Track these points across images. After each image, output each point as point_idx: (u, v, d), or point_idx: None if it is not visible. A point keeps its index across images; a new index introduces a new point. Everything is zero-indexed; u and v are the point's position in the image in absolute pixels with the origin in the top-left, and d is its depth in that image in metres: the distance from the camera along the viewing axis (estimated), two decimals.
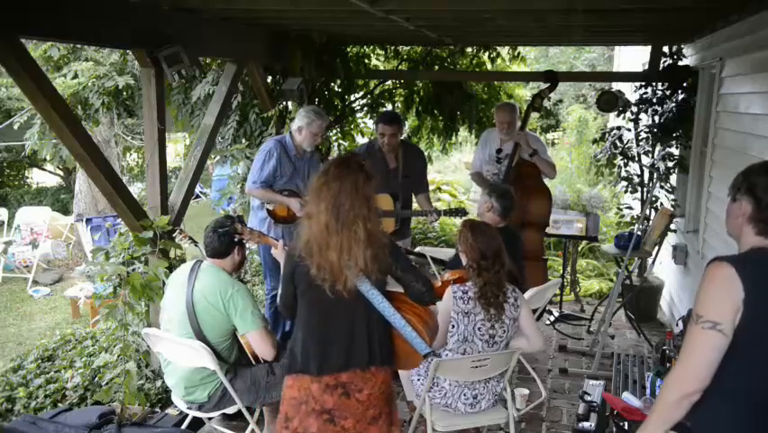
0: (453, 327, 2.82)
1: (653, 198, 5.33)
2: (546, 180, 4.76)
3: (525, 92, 7.34)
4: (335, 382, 2.27)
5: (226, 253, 2.95)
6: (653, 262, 5.28)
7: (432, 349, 2.37)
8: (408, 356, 2.41)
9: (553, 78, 4.72)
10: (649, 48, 5.49)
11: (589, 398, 3.18)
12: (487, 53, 5.96)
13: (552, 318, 5.33)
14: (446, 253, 4.63)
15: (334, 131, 6.02)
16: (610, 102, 5.41)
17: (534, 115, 5.34)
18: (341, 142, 6.07)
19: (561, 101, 15.20)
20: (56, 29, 2.88)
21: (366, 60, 5.98)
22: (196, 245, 3.31)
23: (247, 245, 3.08)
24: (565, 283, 5.82)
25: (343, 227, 2.16)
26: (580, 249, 6.73)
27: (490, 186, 3.81)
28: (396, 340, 2.39)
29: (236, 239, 2.90)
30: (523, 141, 4.48)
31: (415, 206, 4.93)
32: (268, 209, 4.20)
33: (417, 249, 4.82)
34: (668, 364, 3.14)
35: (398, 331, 2.32)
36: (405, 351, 2.39)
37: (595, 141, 6.06)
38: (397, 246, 2.38)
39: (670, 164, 5.30)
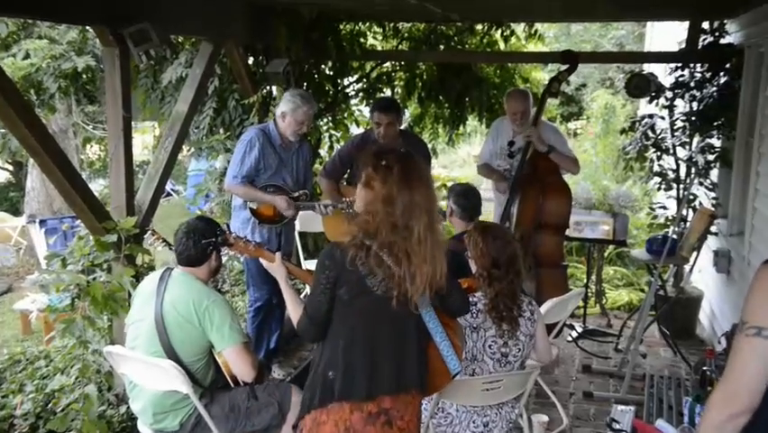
0: None
1: (691, 197, 5.33)
2: (567, 176, 4.76)
3: (543, 75, 7.35)
4: (378, 408, 2.27)
5: (202, 261, 2.94)
6: (691, 270, 5.28)
7: (462, 368, 2.40)
8: (436, 376, 2.41)
9: (571, 59, 4.72)
10: (686, 24, 5.49)
11: (617, 426, 3.18)
12: (499, 31, 5.95)
13: (574, 334, 5.33)
14: None
15: (325, 120, 6.01)
16: (641, 86, 5.41)
17: (554, 101, 5.35)
18: (332, 132, 6.07)
19: (584, 85, 15.23)
20: (3, 3, 2.87)
21: (362, 39, 5.98)
22: (171, 249, 3.30)
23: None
24: (589, 294, 5.81)
25: (430, 234, 2.25)
26: (606, 255, 6.73)
27: (451, 187, 3.82)
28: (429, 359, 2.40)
29: (224, 252, 2.87)
30: (535, 138, 4.44)
31: None
32: (251, 208, 4.20)
33: None
34: (709, 388, 3.14)
35: (437, 346, 2.34)
36: (434, 370, 2.40)
37: (623, 131, 6.06)
38: None
39: (710, 157, 5.30)
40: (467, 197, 3.66)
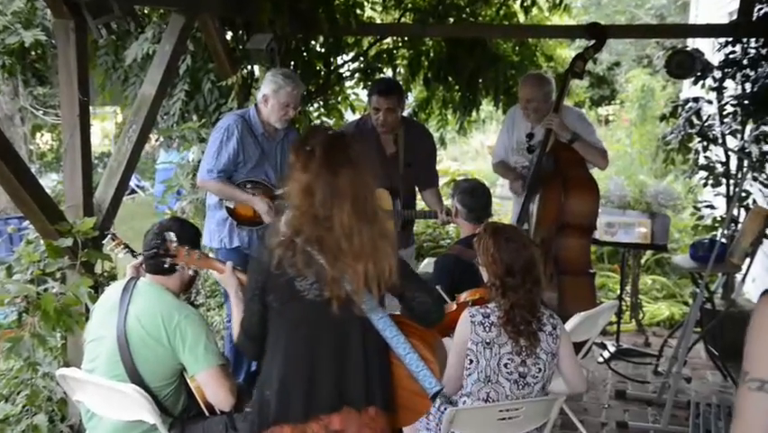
0: (472, 362, 2.82)
1: (743, 194, 5.33)
2: (598, 171, 4.76)
3: (570, 53, 7.36)
4: (325, 431, 2.29)
5: (172, 268, 2.94)
6: (744, 280, 5.29)
7: (443, 386, 2.41)
8: (412, 400, 2.43)
9: (598, 33, 4.73)
10: None
11: None
12: (518, 1, 5.96)
13: (606, 354, 5.33)
14: None
15: (316, 105, 6.02)
16: (684, 65, 5.41)
17: (582, 83, 5.36)
18: (324, 119, 6.07)
19: (617, 64, 15.24)
20: None
21: (358, 11, 5.98)
22: (134, 255, 3.31)
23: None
24: (624, 307, 5.81)
25: (367, 226, 2.26)
26: (643, 262, 6.73)
27: (456, 184, 3.83)
28: (395, 378, 2.42)
29: (167, 264, 2.86)
30: (556, 124, 4.43)
31: (420, 204, 4.92)
32: (228, 207, 4.21)
33: None
34: None
35: (401, 361, 2.36)
36: (407, 392, 2.42)
37: (663, 117, 6.07)
38: None
39: (766, 148, 5.30)
40: (473, 195, 3.66)
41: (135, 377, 2.82)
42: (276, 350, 2.37)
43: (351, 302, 2.27)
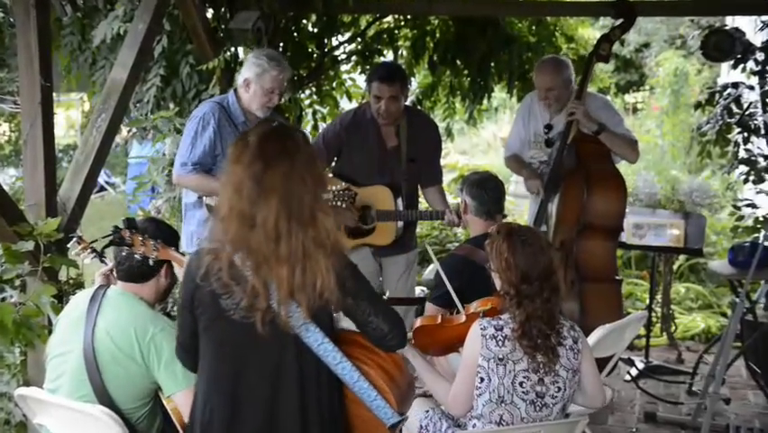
0: (483, 380, 2.82)
1: None
2: (624, 165, 4.75)
3: (594, 33, 7.36)
4: None
5: (146, 276, 2.94)
6: None
7: (402, 417, 2.42)
8: (371, 423, 2.43)
9: (626, 10, 4.73)
10: None
11: None
12: None
13: (634, 372, 5.34)
14: None
15: (308, 91, 6.01)
16: (723, 46, 5.41)
17: (605, 67, 5.35)
18: (317, 107, 6.07)
19: (647, 45, 15.22)
20: None
21: None
22: (102, 261, 3.31)
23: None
24: (654, 319, 5.81)
25: (299, 228, 2.24)
26: (676, 267, 6.73)
27: (465, 177, 3.83)
28: (351, 405, 2.44)
29: (125, 253, 2.87)
30: (580, 114, 4.43)
31: (423, 204, 4.92)
32: (208, 205, 4.20)
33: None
34: None
35: (350, 389, 2.37)
36: (364, 420, 2.43)
37: (699, 105, 6.06)
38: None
39: None
40: (484, 186, 3.67)
41: (104, 398, 2.82)
42: (203, 366, 2.41)
43: (277, 316, 2.26)
